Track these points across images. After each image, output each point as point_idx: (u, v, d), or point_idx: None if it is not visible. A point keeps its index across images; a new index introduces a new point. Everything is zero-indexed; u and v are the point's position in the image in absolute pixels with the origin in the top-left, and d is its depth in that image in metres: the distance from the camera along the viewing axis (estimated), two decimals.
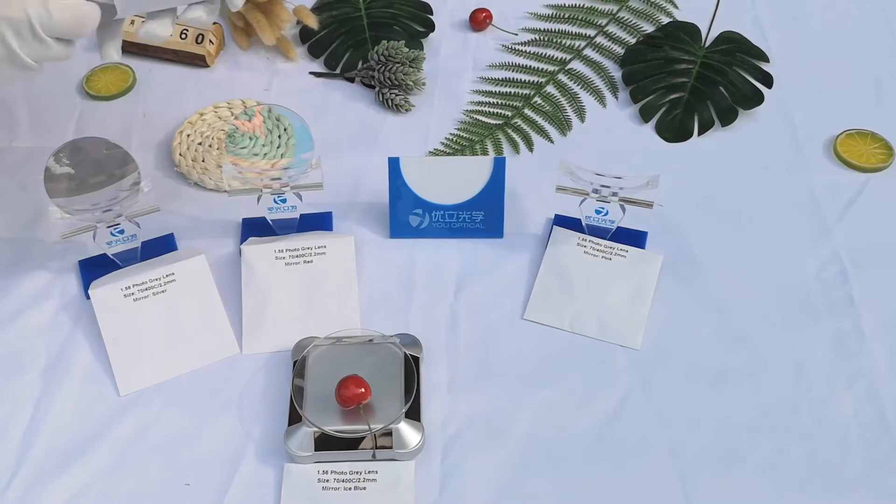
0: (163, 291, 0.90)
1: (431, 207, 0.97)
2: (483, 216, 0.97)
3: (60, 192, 0.86)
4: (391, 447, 0.81)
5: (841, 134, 1.06)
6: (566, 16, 1.22)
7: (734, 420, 0.85)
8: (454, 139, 1.06)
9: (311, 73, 1.16)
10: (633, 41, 1.19)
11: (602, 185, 0.91)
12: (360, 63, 1.16)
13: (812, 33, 1.20)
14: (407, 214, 0.98)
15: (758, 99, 1.10)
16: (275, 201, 0.94)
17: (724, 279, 0.95)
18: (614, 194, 0.91)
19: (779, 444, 0.83)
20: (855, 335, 0.90)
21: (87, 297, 0.90)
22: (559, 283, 0.94)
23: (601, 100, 1.13)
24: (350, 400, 0.81)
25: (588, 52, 1.18)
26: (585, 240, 0.95)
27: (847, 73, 1.15)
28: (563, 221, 0.98)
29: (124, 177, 0.88)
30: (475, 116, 1.11)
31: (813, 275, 0.95)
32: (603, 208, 0.93)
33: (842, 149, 1.05)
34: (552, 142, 1.08)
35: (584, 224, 0.96)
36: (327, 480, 0.80)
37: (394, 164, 0.96)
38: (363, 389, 0.81)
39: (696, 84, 1.12)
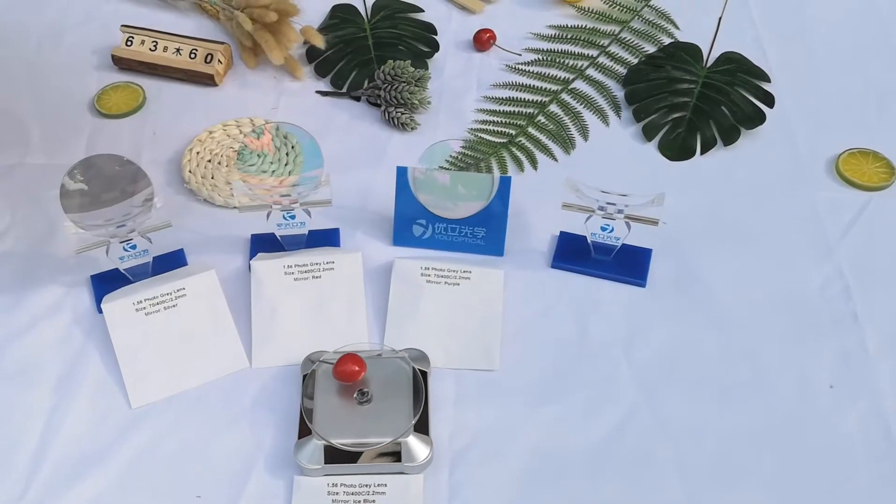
0: (174, 306, 0.91)
1: (435, 219, 0.99)
2: (485, 233, 0.99)
3: (75, 208, 0.87)
4: (400, 461, 0.82)
5: (843, 153, 1.08)
6: (569, 36, 1.24)
7: (739, 435, 0.86)
8: (459, 157, 1.07)
9: (317, 91, 1.18)
10: (636, 61, 1.20)
11: (608, 203, 0.92)
12: (366, 82, 1.17)
13: (813, 53, 1.22)
14: (411, 224, 0.99)
15: (760, 118, 1.12)
16: (284, 217, 0.95)
17: (728, 295, 0.96)
18: (619, 212, 0.92)
19: (784, 459, 0.84)
20: (859, 351, 0.91)
21: (100, 310, 0.91)
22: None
23: (604, 119, 1.14)
24: (347, 376, 0.83)
25: (591, 71, 1.20)
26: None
27: (848, 92, 1.16)
28: (567, 238, 0.99)
29: (137, 193, 0.89)
30: (480, 135, 1.12)
31: (817, 292, 0.96)
32: (608, 225, 0.94)
33: (844, 167, 1.06)
34: (556, 160, 1.09)
35: (589, 241, 0.96)
36: (337, 493, 0.81)
37: (402, 173, 0.97)
38: (357, 367, 0.83)
39: (698, 103, 1.14)
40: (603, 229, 0.94)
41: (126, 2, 1.28)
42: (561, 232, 1.00)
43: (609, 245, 0.96)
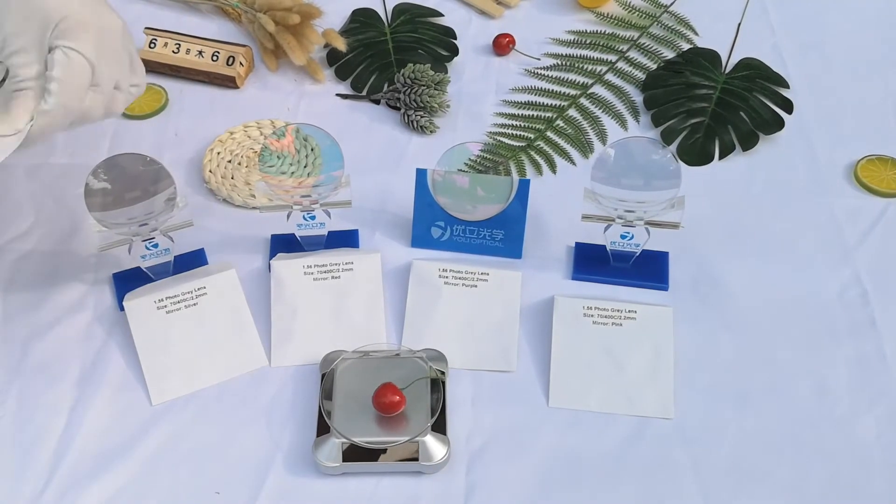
0: (194, 304, 0.92)
1: (453, 221, 0.99)
2: (503, 235, 0.99)
3: (99, 207, 0.88)
4: (418, 460, 0.82)
5: (861, 160, 1.08)
6: (588, 41, 1.24)
7: (757, 440, 0.86)
8: (478, 160, 1.08)
9: (337, 94, 1.19)
10: (655, 67, 1.21)
11: (626, 211, 0.91)
12: (386, 86, 1.18)
13: (832, 60, 1.22)
14: (429, 226, 1.00)
15: (778, 124, 1.12)
16: (304, 218, 0.96)
17: (746, 300, 0.96)
18: (640, 219, 0.92)
19: (801, 465, 0.84)
20: (877, 357, 0.91)
21: (121, 308, 0.92)
22: (574, 361, 0.91)
23: (623, 123, 1.15)
24: (388, 407, 0.83)
25: (610, 76, 1.20)
26: (591, 308, 0.93)
27: (867, 99, 1.16)
28: (583, 248, 0.99)
29: (160, 192, 0.90)
30: (499, 138, 1.12)
31: (834, 297, 0.96)
32: (628, 233, 0.94)
33: (862, 174, 1.06)
34: (574, 164, 1.10)
35: (608, 250, 0.96)
36: None
37: (421, 175, 0.98)
38: (398, 398, 0.83)
39: (717, 109, 1.14)
40: (623, 237, 0.94)
41: (150, 5, 1.30)
42: (577, 243, 1.00)
43: (629, 252, 0.96)
